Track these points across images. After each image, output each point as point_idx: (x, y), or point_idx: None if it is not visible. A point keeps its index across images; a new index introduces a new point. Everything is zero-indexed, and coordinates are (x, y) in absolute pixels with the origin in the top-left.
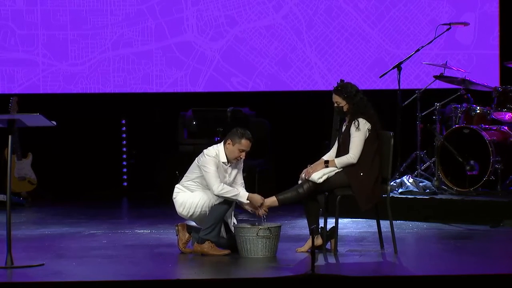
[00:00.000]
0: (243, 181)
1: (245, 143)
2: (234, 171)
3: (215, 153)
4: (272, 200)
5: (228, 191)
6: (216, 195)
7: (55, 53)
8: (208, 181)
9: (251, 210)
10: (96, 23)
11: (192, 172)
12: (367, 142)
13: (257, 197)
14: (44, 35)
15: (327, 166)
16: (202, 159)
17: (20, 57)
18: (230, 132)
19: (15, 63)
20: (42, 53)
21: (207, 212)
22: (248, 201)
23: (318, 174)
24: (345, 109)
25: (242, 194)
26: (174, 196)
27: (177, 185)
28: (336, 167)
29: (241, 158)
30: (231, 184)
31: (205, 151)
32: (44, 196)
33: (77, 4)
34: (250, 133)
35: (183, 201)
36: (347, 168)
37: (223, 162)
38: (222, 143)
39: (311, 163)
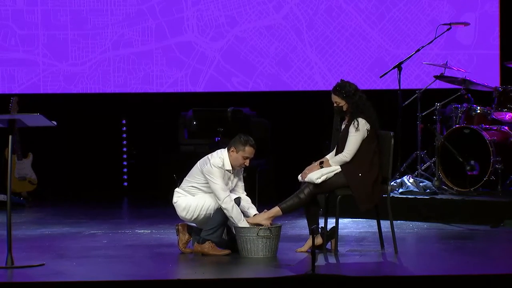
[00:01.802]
0: (243, 184)
1: (249, 150)
2: (236, 178)
3: (221, 162)
4: (276, 211)
5: (235, 214)
6: (223, 208)
7: (55, 53)
8: (215, 193)
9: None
10: (96, 23)
11: (194, 177)
12: (365, 142)
13: (254, 220)
14: (44, 35)
15: (322, 167)
16: (208, 168)
17: (21, 57)
18: (233, 139)
19: (16, 63)
20: (42, 53)
21: (211, 215)
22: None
23: (316, 174)
24: (344, 108)
25: (243, 224)
26: (174, 200)
27: (176, 189)
28: (330, 166)
29: (245, 165)
30: (233, 189)
31: (211, 160)
32: (45, 196)
33: (78, 4)
34: (251, 133)
35: (186, 205)
36: (346, 169)
37: (227, 170)
38: (226, 150)
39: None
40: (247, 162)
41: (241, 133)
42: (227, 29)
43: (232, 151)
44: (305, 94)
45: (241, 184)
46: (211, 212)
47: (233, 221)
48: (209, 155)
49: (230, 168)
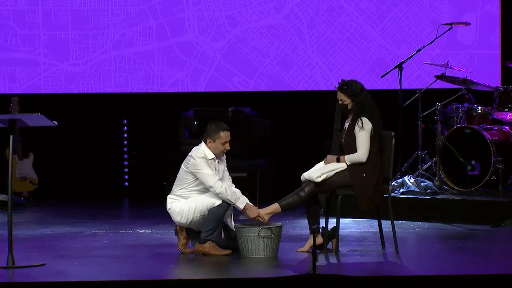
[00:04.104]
0: (230, 177)
1: (224, 135)
2: (222, 167)
3: (203, 153)
4: (275, 207)
5: (229, 194)
6: (217, 194)
7: (56, 53)
8: (206, 182)
9: (248, 217)
10: (97, 23)
11: (182, 180)
12: (370, 142)
13: (254, 210)
14: (45, 35)
15: (338, 161)
16: (192, 162)
17: (22, 57)
18: (205, 131)
19: (17, 63)
20: (43, 53)
21: (206, 215)
22: (245, 210)
23: (317, 173)
24: (349, 107)
25: (241, 201)
26: (168, 207)
27: (169, 196)
28: (346, 163)
29: (226, 149)
30: (221, 180)
31: (192, 154)
32: (45, 196)
33: (79, 4)
34: (252, 133)
35: (180, 210)
36: (351, 168)
37: (211, 159)
38: (203, 142)
39: (312, 164)
40: (227, 146)
41: (210, 122)
42: (228, 29)
43: (209, 142)
44: (306, 94)
45: (227, 176)
46: (204, 213)
47: (230, 202)
48: (190, 153)
49: (213, 156)
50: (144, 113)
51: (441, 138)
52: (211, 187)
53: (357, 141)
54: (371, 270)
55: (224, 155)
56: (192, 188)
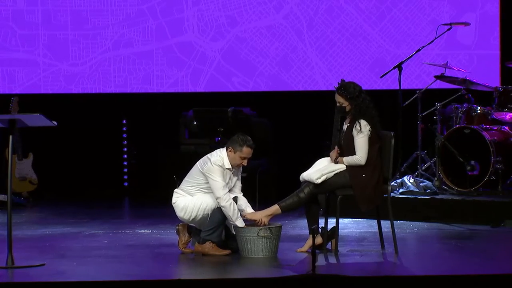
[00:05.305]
0: (241, 185)
1: (246, 151)
2: (235, 177)
3: (221, 161)
4: (275, 209)
5: (231, 211)
6: (221, 206)
7: (56, 53)
8: (214, 190)
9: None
10: (97, 23)
11: (193, 177)
12: (369, 144)
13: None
14: (45, 35)
15: (337, 162)
16: (208, 167)
17: (21, 57)
18: (231, 139)
19: (16, 63)
20: (43, 53)
21: (209, 216)
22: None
23: (317, 174)
24: (347, 109)
25: (239, 222)
26: (174, 201)
27: (176, 190)
28: (344, 164)
29: (243, 165)
30: (231, 188)
31: (211, 158)
32: (45, 196)
33: (78, 4)
34: (251, 133)
35: (184, 205)
36: (351, 169)
37: (227, 168)
38: (225, 149)
39: (312, 164)
40: (245, 162)
41: (240, 133)
42: (228, 29)
43: (230, 151)
44: (305, 94)
45: (239, 185)
46: (208, 212)
47: (230, 219)
48: (209, 155)
49: (230, 166)
50: (144, 113)
51: (440, 138)
52: (218, 197)
53: (355, 144)
54: (371, 270)
55: (241, 168)
56: (201, 188)
